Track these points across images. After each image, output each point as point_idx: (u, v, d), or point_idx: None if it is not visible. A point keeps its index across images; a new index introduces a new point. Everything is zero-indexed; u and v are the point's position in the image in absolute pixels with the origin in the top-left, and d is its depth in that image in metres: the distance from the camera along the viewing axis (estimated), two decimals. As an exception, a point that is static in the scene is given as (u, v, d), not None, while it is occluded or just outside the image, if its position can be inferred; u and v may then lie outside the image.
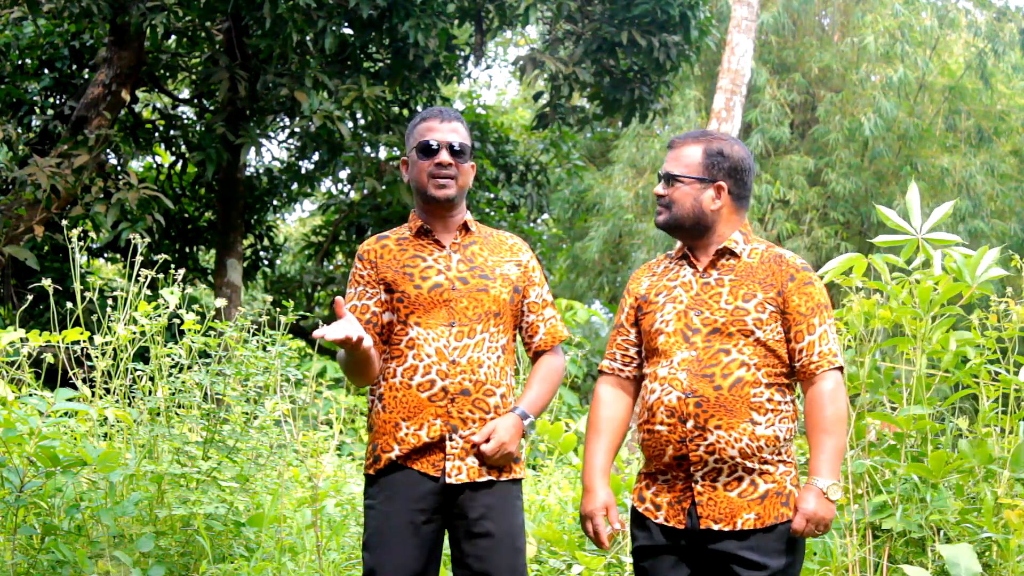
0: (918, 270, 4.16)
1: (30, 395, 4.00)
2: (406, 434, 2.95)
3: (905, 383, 4.16)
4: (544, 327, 3.11)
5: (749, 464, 2.78)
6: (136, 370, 4.44)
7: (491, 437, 2.95)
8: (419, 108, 11.04)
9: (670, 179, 2.92)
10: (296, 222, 19.76)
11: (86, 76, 10.33)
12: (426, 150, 3.03)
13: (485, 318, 3.00)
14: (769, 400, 2.81)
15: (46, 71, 10.48)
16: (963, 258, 4.02)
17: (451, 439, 2.95)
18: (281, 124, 11.97)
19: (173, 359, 4.48)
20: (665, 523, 2.84)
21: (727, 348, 2.80)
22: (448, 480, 2.94)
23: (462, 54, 11.23)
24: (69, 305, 4.62)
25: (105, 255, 11.50)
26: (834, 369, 2.82)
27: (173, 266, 5.25)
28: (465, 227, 3.11)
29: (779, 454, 2.82)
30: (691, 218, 2.90)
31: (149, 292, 4.71)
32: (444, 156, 3.03)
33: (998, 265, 4.03)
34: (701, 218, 2.90)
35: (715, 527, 2.78)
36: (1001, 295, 4.33)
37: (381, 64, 10.34)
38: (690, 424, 2.78)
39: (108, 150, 9.27)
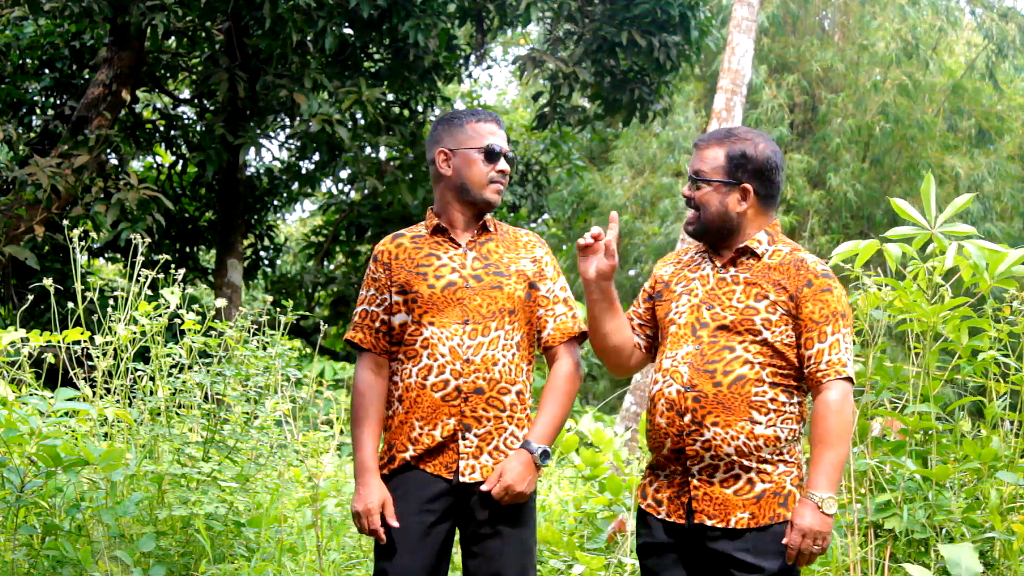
0: (933, 257, 4.11)
1: (31, 395, 4.00)
2: (420, 434, 2.95)
3: (912, 376, 4.13)
4: (553, 322, 3.05)
5: (746, 463, 2.77)
6: (137, 370, 4.44)
7: (498, 480, 2.92)
8: (419, 108, 11.03)
9: (696, 181, 2.89)
10: (296, 222, 19.76)
11: (86, 76, 10.33)
12: (492, 155, 3.04)
13: (500, 315, 2.99)
14: (772, 400, 2.78)
15: (46, 71, 10.49)
16: (979, 250, 3.95)
17: (464, 438, 2.95)
18: (281, 124, 11.98)
19: (173, 359, 4.48)
20: (667, 519, 2.84)
21: (732, 345, 2.79)
22: (461, 479, 2.93)
23: (462, 54, 11.23)
24: (70, 305, 4.62)
25: (105, 255, 11.50)
26: (841, 379, 2.76)
27: (173, 266, 5.25)
28: (484, 226, 3.10)
29: (780, 454, 2.80)
30: (718, 221, 2.87)
31: (149, 292, 4.71)
32: (504, 164, 3.07)
33: (1021, 264, 3.96)
34: (727, 221, 2.87)
35: (708, 522, 2.77)
36: (1021, 290, 4.27)
37: (381, 64, 10.34)
38: (687, 418, 2.78)
39: (108, 150, 9.27)
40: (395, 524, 2.92)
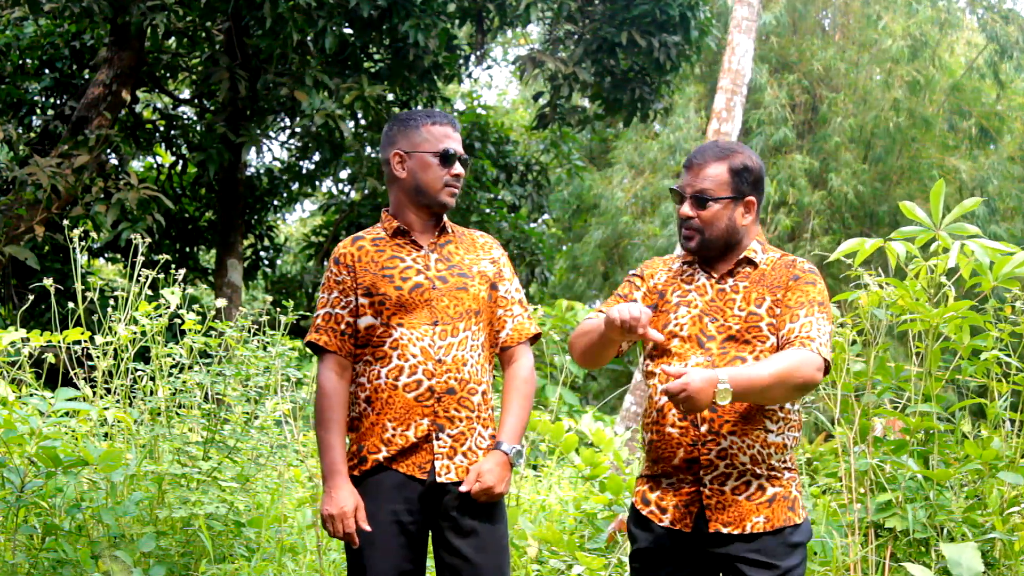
0: (936, 255, 4.09)
1: (31, 395, 4.00)
2: (393, 435, 2.95)
3: (914, 375, 4.12)
4: (511, 323, 3.10)
5: (758, 471, 2.78)
6: (137, 370, 4.44)
7: (477, 480, 2.94)
8: (419, 108, 11.02)
9: (700, 201, 2.85)
10: (296, 222, 19.77)
11: (86, 76, 10.34)
12: (447, 158, 3.04)
13: (466, 316, 3.01)
14: (781, 408, 2.80)
15: (47, 71, 10.49)
16: (983, 249, 3.94)
17: (438, 438, 2.96)
18: (281, 124, 11.98)
19: (174, 359, 4.47)
20: (671, 527, 2.83)
21: (743, 355, 2.78)
22: (438, 479, 2.94)
23: (462, 54, 11.23)
24: (70, 305, 4.62)
25: (105, 255, 11.50)
26: (810, 351, 2.69)
27: (174, 266, 5.25)
28: (443, 228, 3.12)
29: (785, 461, 2.83)
30: (723, 237, 2.85)
31: (150, 292, 4.71)
32: (459, 168, 3.06)
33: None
34: (733, 235, 2.86)
35: (724, 530, 2.77)
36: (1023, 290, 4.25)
37: (381, 64, 10.34)
38: (704, 428, 2.77)
39: (108, 150, 9.27)
40: (367, 528, 2.92)
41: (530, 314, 3.15)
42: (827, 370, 2.76)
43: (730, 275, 2.88)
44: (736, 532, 2.76)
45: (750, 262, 2.88)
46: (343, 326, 3.03)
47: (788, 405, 2.81)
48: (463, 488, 2.93)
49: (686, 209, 2.87)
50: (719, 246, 2.87)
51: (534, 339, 3.14)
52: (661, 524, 2.84)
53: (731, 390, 2.57)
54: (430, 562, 3.17)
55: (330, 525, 2.95)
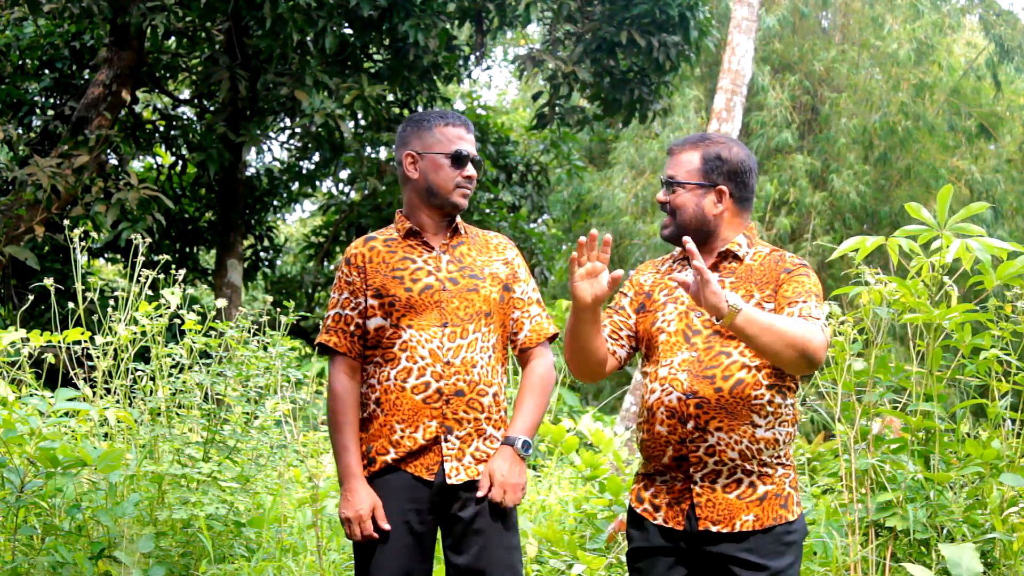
0: (936, 252, 4.08)
1: (31, 395, 4.00)
2: (401, 437, 2.95)
3: (916, 371, 4.11)
4: (529, 323, 3.10)
5: (748, 467, 2.77)
6: (137, 370, 4.44)
7: (492, 484, 2.93)
8: (419, 108, 11.02)
9: (670, 185, 2.90)
10: (296, 222, 19.75)
11: (86, 76, 10.33)
12: (459, 160, 3.04)
13: (476, 318, 3.00)
14: (770, 402, 2.79)
15: (46, 71, 10.49)
16: (983, 247, 3.93)
17: (446, 440, 2.95)
18: (281, 124, 11.97)
19: (174, 359, 4.47)
20: (664, 524, 2.83)
21: (728, 350, 2.79)
22: (448, 480, 2.93)
23: (462, 54, 11.22)
24: (70, 305, 4.62)
25: (105, 255, 11.49)
26: (816, 327, 2.69)
27: (173, 266, 5.24)
28: (455, 229, 3.11)
29: (778, 457, 2.82)
30: (694, 223, 2.88)
31: (150, 292, 4.71)
32: (471, 169, 3.06)
33: None
34: (704, 223, 2.88)
35: (713, 528, 2.77)
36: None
37: (381, 64, 10.34)
38: (690, 425, 2.77)
39: (108, 150, 9.27)
40: (386, 527, 2.92)
41: (548, 314, 3.15)
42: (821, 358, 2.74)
43: (715, 269, 2.90)
44: (725, 531, 2.76)
45: (735, 256, 2.89)
46: (352, 327, 3.03)
47: (776, 399, 2.80)
48: (480, 494, 2.92)
49: (660, 194, 2.93)
50: (691, 234, 2.87)
51: (553, 338, 3.14)
52: (655, 522, 2.85)
53: (739, 307, 2.57)
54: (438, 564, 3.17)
55: (348, 528, 2.95)
